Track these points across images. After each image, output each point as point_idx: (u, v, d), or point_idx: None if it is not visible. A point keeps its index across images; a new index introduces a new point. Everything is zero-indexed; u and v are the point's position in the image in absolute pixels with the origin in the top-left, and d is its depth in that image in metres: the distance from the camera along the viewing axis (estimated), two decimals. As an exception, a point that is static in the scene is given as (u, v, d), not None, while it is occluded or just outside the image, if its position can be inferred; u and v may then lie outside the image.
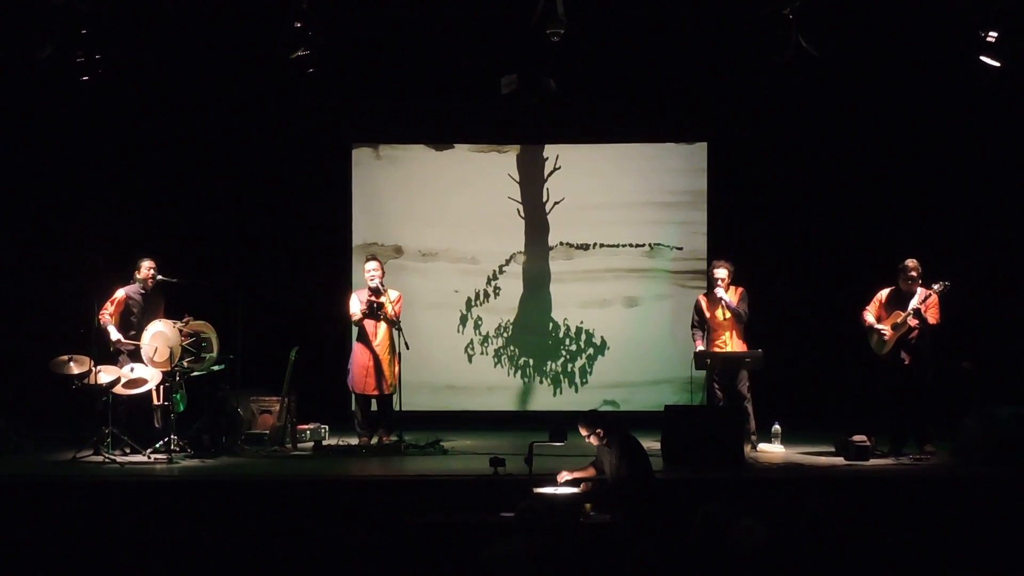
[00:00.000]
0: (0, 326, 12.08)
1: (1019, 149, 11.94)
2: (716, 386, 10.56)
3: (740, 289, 10.63)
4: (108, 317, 10.28)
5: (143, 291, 10.50)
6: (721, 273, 10.57)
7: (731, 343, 10.58)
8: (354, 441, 10.81)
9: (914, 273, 9.97)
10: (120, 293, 10.42)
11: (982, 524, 8.45)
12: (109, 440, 9.85)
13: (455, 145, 12.96)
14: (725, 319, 10.58)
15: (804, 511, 6.47)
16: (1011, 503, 8.69)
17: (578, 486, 8.18)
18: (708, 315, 10.67)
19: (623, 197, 12.87)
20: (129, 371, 10.13)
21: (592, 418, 8.38)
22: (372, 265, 10.64)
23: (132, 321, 10.40)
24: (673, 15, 11.18)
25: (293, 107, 12.31)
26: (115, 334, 10.28)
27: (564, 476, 8.21)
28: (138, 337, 10.23)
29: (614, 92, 12.35)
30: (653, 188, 12.88)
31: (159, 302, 10.60)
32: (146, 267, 10.48)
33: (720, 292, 10.53)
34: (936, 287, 9.88)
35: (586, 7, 10.41)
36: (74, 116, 12.02)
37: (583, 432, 8.24)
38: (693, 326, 10.81)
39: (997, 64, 10.25)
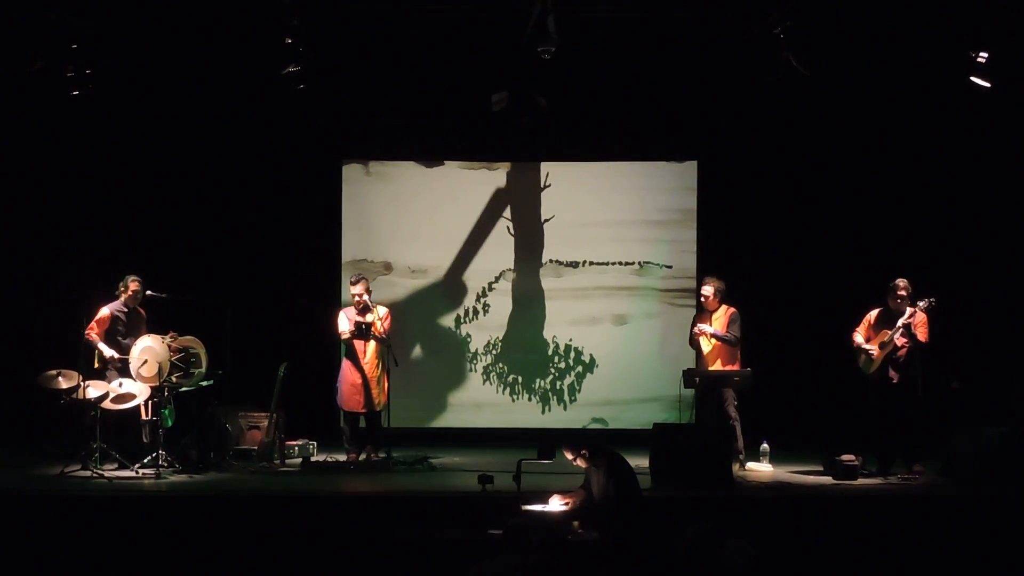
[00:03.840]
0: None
1: (1009, 168, 11.98)
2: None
3: (731, 310, 10.52)
4: (95, 336, 10.25)
5: (127, 307, 10.47)
6: (706, 291, 10.52)
7: (714, 367, 10.50)
8: (342, 457, 10.78)
9: (904, 292, 9.95)
10: (105, 311, 10.37)
11: (970, 544, 8.44)
12: (97, 455, 9.81)
13: (445, 162, 12.95)
14: (711, 345, 10.51)
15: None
16: (999, 523, 8.69)
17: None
18: (697, 336, 10.64)
19: (613, 215, 12.87)
20: (117, 386, 10.10)
21: (575, 440, 8.30)
22: (357, 289, 10.61)
23: (119, 340, 10.36)
24: (664, 34, 11.19)
25: (283, 123, 12.31)
26: (107, 351, 10.25)
27: (555, 499, 8.15)
28: (126, 353, 10.20)
29: (605, 110, 12.37)
30: (643, 206, 12.88)
31: (142, 317, 10.57)
32: (132, 284, 10.45)
33: (703, 327, 10.46)
34: (922, 304, 9.84)
35: (577, 25, 10.43)
36: (63, 130, 11.99)
37: (568, 456, 8.17)
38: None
39: (987, 85, 10.30)
